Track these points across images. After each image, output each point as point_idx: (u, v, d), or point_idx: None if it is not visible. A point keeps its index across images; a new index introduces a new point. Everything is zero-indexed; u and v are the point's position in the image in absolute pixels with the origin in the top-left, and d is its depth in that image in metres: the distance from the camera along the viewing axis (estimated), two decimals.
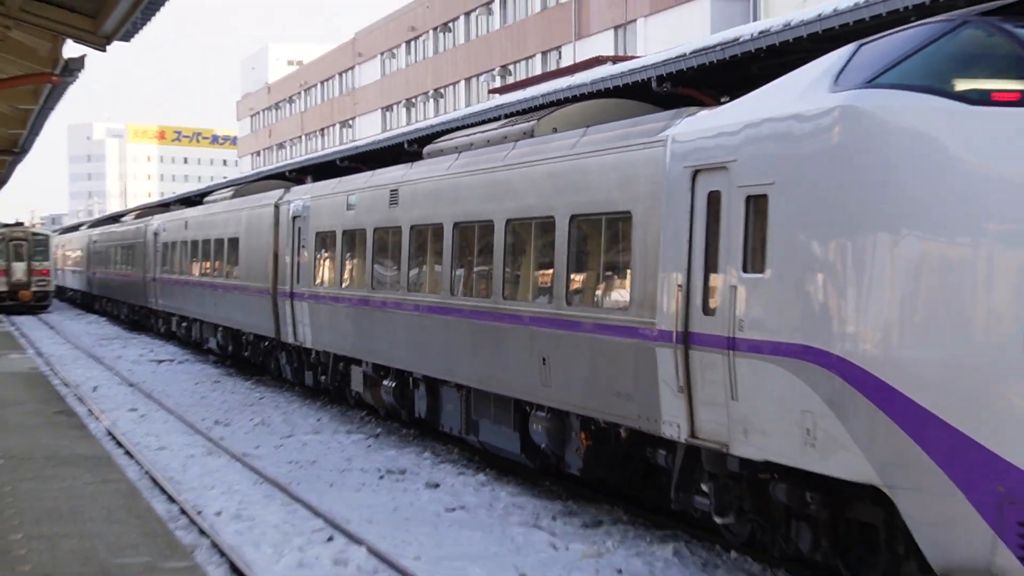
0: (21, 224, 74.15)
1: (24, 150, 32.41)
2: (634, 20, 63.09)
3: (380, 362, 23.49)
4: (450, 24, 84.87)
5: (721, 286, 12.81)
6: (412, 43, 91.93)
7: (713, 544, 15.11)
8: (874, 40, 12.11)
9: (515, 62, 74.75)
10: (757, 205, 12.35)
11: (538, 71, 68.33)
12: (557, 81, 26.08)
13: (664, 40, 52.93)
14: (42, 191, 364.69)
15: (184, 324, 44.17)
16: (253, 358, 34.49)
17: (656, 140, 14.40)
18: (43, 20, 16.88)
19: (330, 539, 15.32)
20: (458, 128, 23.86)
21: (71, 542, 11.69)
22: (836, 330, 11.23)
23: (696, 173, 13.42)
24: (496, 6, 77.94)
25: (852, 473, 11.24)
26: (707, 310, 13.05)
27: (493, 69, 77.16)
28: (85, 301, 77.66)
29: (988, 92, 10.65)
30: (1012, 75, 10.65)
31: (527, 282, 17.93)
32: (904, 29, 11.97)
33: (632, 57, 43.98)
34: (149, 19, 14.97)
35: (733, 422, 12.59)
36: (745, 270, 12.45)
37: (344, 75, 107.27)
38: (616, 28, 64.90)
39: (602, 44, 64.38)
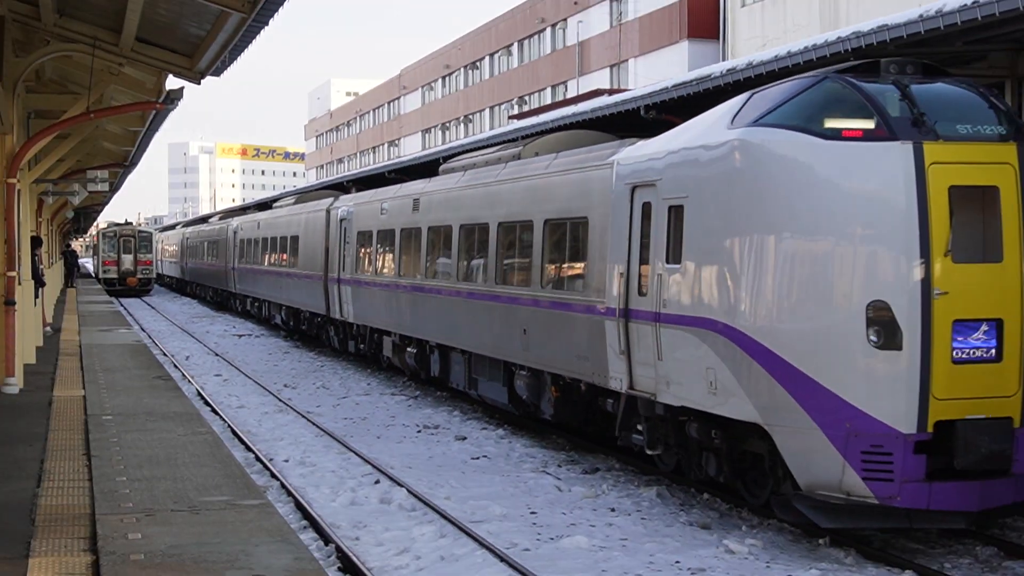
0: (130, 224, 74.35)
1: (133, 163, 32.44)
2: (626, 60, 62.87)
3: (405, 333, 24.48)
4: (477, 63, 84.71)
5: (651, 274, 13.92)
6: (447, 78, 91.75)
7: (689, 488, 15.02)
8: (762, 89, 13.27)
9: (530, 93, 74.57)
10: (676, 213, 13.45)
11: (548, 101, 68.17)
12: (563, 109, 26.06)
13: (651, 76, 52.77)
14: (146, 197, 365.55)
15: (256, 304, 45.11)
16: (309, 331, 35.23)
17: (605, 163, 15.57)
18: (149, 59, 16.89)
19: (377, 482, 15.28)
20: (467, 151, 25.11)
21: (166, 483, 11.65)
22: (730, 307, 12.38)
23: (634, 188, 14.52)
24: (515, 48, 77.75)
25: (742, 414, 12.38)
26: (641, 292, 14.17)
27: (512, 99, 77.00)
28: (179, 286, 78.07)
29: (840, 130, 11.86)
30: (857, 117, 11.87)
31: (512, 271, 18.96)
32: (784, 82, 13.17)
33: (625, 89, 43.87)
34: (235, 59, 14.95)
35: (659, 377, 13.72)
36: (667, 262, 13.54)
37: (392, 104, 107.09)
38: (612, 66, 64.69)
39: (600, 79, 64.20)
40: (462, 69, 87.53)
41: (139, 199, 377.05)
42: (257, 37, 13.71)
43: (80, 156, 28.75)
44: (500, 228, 19.23)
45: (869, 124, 11.79)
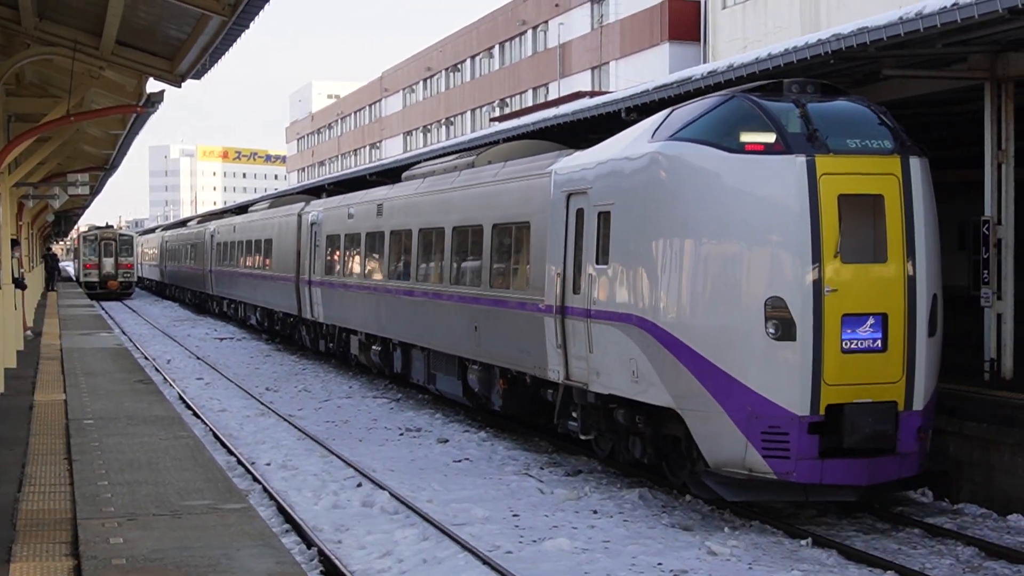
0: (111, 227, 74.09)
1: (113, 166, 32.31)
2: (607, 62, 62.94)
3: (370, 332, 25.66)
4: (459, 65, 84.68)
5: (584, 274, 15.10)
6: (428, 80, 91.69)
7: (671, 490, 15.05)
8: (681, 106, 14.50)
9: (511, 96, 74.58)
10: (604, 218, 14.63)
11: (530, 103, 68.19)
12: (544, 111, 26.10)
13: (632, 78, 52.84)
14: (127, 200, 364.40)
15: (232, 306, 46.26)
16: (283, 331, 36.44)
17: (545, 172, 16.80)
18: (130, 62, 16.82)
19: (359, 485, 15.28)
20: (428, 159, 26.09)
21: (148, 487, 11.61)
22: (649, 304, 13.59)
23: (569, 196, 15.73)
24: (496, 51, 77.75)
25: (660, 401, 13.58)
26: (575, 291, 15.36)
27: (494, 102, 77.01)
28: (158, 288, 78.51)
29: (743, 144, 13.04)
30: (759, 133, 13.06)
31: (465, 272, 19.98)
32: (696, 100, 14.48)
33: (606, 92, 43.92)
34: (215, 62, 14.90)
35: (590, 368, 14.95)
36: (597, 263, 14.77)
37: (373, 106, 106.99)
38: (593, 69, 64.75)
39: (582, 81, 64.25)
40: (444, 71, 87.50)
41: (120, 202, 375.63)
42: (238, 40, 13.69)
43: (61, 159, 28.65)
44: (454, 232, 20.33)
45: (769, 139, 12.98)
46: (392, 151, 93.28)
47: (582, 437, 15.88)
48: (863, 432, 12.77)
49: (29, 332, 30.87)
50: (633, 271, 13.93)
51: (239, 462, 16.68)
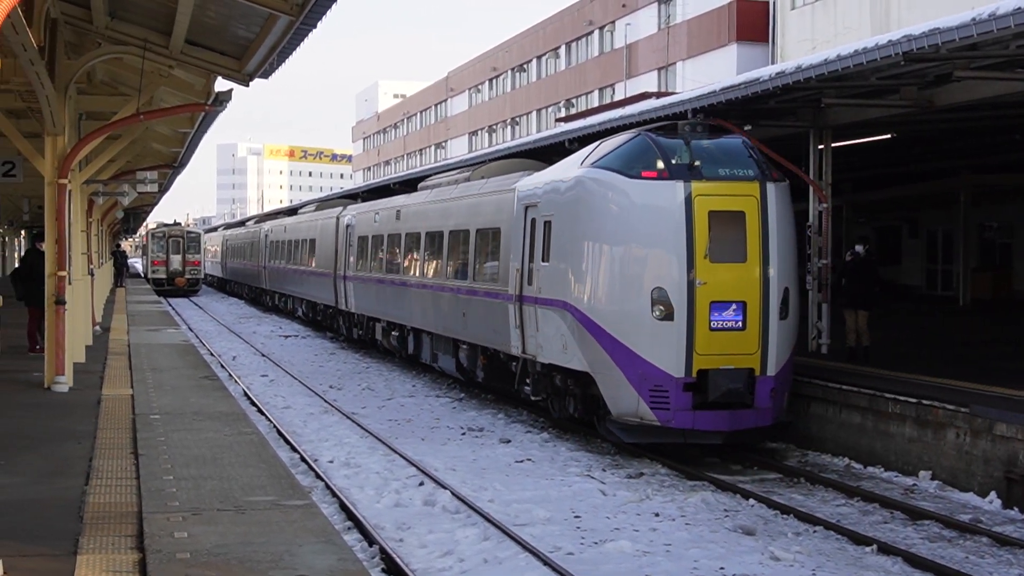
0: (178, 224, 74.90)
1: (182, 164, 32.68)
2: (674, 63, 62.70)
3: (390, 320, 29.88)
4: (525, 65, 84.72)
5: (535, 270, 18.99)
6: (494, 80, 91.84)
7: (734, 494, 14.97)
8: (605, 140, 18.79)
9: (577, 96, 74.50)
10: (548, 226, 18.61)
11: (596, 104, 68.07)
12: (610, 112, 26.04)
13: (699, 79, 52.56)
14: (195, 197, 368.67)
15: (283, 299, 50.62)
16: (323, 321, 40.58)
17: (511, 188, 20.92)
18: (199, 61, 17.00)
19: (421, 484, 15.31)
20: (439, 172, 30.57)
21: (212, 483, 11.73)
22: (574, 293, 17.58)
23: (526, 208, 19.69)
24: (562, 51, 77.71)
25: (581, 367, 17.57)
26: (529, 283, 19.25)
27: (559, 102, 76.97)
28: (219, 284, 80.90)
29: (640, 171, 16.98)
30: (653, 163, 17.00)
31: (457, 267, 24.01)
32: (618, 135, 18.83)
33: (672, 92, 43.74)
34: (283, 61, 15.01)
35: (538, 343, 18.92)
36: (542, 261, 18.71)
37: (439, 106, 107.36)
38: (659, 69, 64.52)
39: (648, 82, 64.04)
40: (509, 71, 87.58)
41: (188, 200, 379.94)
42: (305, 39, 13.79)
43: (130, 157, 29.01)
44: (450, 235, 24.47)
45: (661, 168, 16.89)
46: (457, 151, 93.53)
47: (533, 398, 20.10)
48: (722, 390, 16.53)
49: (98, 327, 31.31)
50: (564, 267, 17.94)
51: (302, 459, 16.79)
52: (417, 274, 26.79)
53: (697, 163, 16.88)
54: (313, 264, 40.27)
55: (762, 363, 16.75)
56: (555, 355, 18.28)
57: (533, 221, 19.21)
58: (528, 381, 19.95)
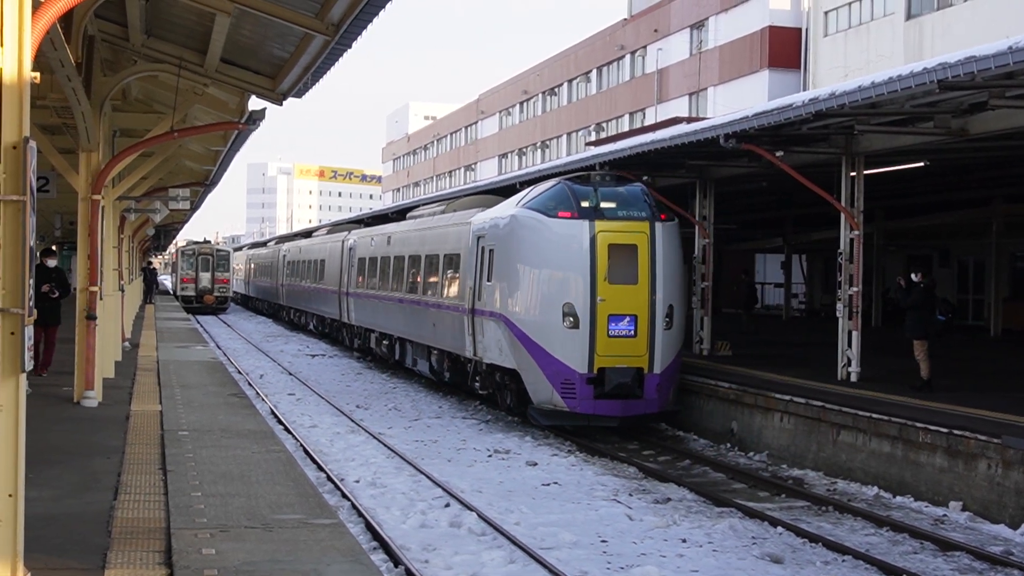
0: (208, 242, 75.35)
1: (213, 183, 32.87)
2: (705, 88, 62.73)
3: (381, 330, 34.34)
4: (556, 89, 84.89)
5: (482, 288, 23.25)
6: (524, 104, 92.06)
7: (762, 521, 14.89)
8: (535, 186, 23.68)
9: (607, 120, 74.59)
10: (491, 253, 22.96)
11: (626, 128, 68.14)
12: (641, 136, 26.12)
13: (730, 105, 52.54)
14: (225, 216, 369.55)
15: (297, 314, 54.92)
16: (330, 332, 46.05)
17: (468, 222, 25.25)
18: (233, 80, 17.12)
19: (447, 505, 15.29)
20: (424, 204, 35.38)
21: (240, 500, 11.75)
22: (509, 307, 21.90)
23: (478, 238, 23.91)
24: (593, 75, 77.85)
25: (512, 366, 21.95)
26: (478, 298, 23.46)
27: (590, 126, 77.06)
28: (243, 301, 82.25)
29: (558, 212, 21.47)
30: (567, 206, 21.48)
31: (429, 286, 28.22)
32: (547, 182, 23.20)
33: (703, 118, 43.72)
34: (316, 81, 15.08)
35: (484, 348, 23.27)
36: (487, 281, 23.05)
37: (469, 128, 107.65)
38: (690, 94, 64.56)
39: (678, 107, 64.09)
40: (540, 95, 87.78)
41: (218, 218, 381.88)
42: (339, 59, 13.85)
43: (163, 175, 29.20)
44: (425, 258, 28.88)
45: (573, 209, 21.33)
46: (486, 173, 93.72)
47: (480, 392, 24.81)
48: (616, 383, 20.86)
49: (127, 343, 31.46)
50: (502, 285, 22.27)
51: (328, 478, 16.79)
52: (401, 291, 31.10)
53: (602, 206, 21.35)
54: (323, 282, 45.07)
55: (650, 363, 21.08)
56: (495, 356, 22.68)
57: (482, 249, 23.46)
58: (477, 378, 24.60)
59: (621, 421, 21.10)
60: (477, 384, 24.71)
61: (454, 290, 25.73)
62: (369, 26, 12.00)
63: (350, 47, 12.93)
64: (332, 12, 12.00)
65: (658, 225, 21.34)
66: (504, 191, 29.03)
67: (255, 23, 14.15)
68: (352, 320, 39.15)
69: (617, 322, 20.90)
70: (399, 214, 39.08)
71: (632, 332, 20.94)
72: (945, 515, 15.59)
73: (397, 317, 31.63)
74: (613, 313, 20.90)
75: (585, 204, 21.34)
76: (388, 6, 11.02)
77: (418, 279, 29.25)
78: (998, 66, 14.16)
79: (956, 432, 15.99)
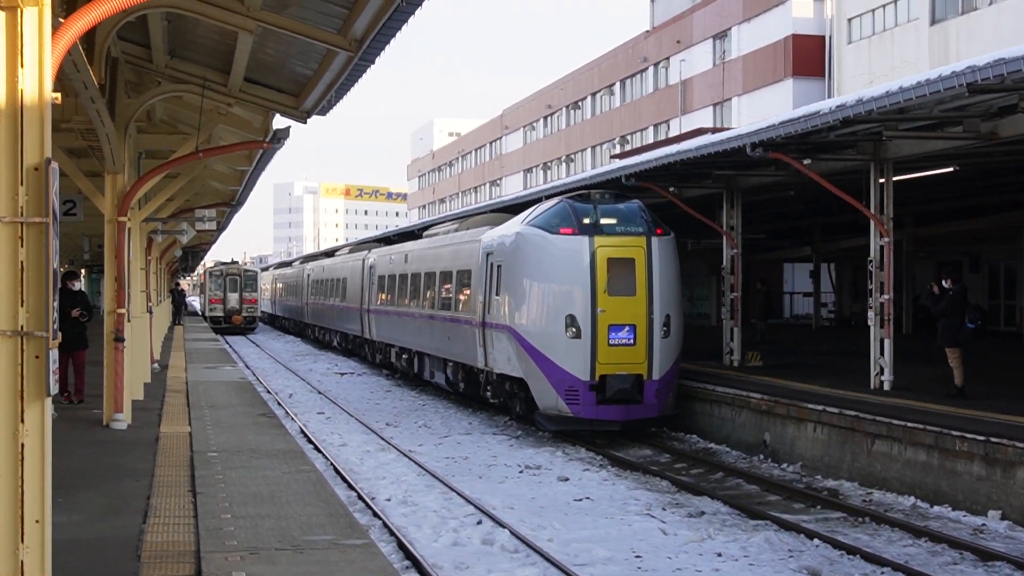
0: (236, 262, 75.41)
1: (240, 202, 32.91)
2: (730, 98, 62.54)
3: (401, 344, 35.81)
4: (579, 103, 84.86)
5: (491, 301, 24.43)
6: (549, 118, 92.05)
7: (798, 533, 14.69)
8: (539, 204, 24.61)
9: (632, 133, 74.47)
10: (499, 268, 24.08)
11: (651, 140, 67.99)
12: (666, 148, 26.02)
13: (754, 114, 52.33)
14: (252, 236, 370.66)
15: (321, 331, 56.43)
16: (352, 348, 47.62)
17: (479, 239, 26.38)
18: (257, 99, 17.09)
19: (479, 522, 15.15)
20: (438, 223, 36.78)
21: (270, 521, 11.65)
22: (516, 319, 23.00)
23: (487, 254, 25.08)
24: (617, 88, 77.77)
25: (519, 375, 23.04)
26: (488, 312, 24.58)
27: (614, 139, 76.94)
28: (271, 320, 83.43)
29: (559, 229, 22.57)
30: (569, 222, 22.56)
31: (444, 301, 29.38)
32: (549, 200, 24.46)
33: (727, 128, 43.53)
34: (340, 98, 15.05)
35: (494, 358, 24.37)
36: (496, 295, 24.16)
37: (493, 144, 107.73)
38: (715, 105, 64.38)
39: (703, 118, 63.90)
40: (564, 109, 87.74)
41: (245, 238, 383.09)
42: (363, 76, 13.79)
43: (189, 195, 29.23)
44: (439, 275, 30.13)
45: (574, 226, 22.44)
46: (512, 188, 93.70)
47: (493, 400, 25.88)
48: (617, 390, 21.92)
49: (156, 365, 31.48)
50: (510, 299, 23.38)
51: (359, 497, 16.68)
52: (418, 306, 32.32)
53: (601, 222, 22.54)
54: (345, 300, 46.49)
55: (648, 370, 22.14)
56: (503, 366, 23.85)
57: (491, 264, 24.65)
58: (489, 388, 25.79)
59: (622, 425, 22.11)
60: (488, 393, 25.80)
61: (466, 305, 26.88)
62: (392, 41, 11.93)
63: (373, 62, 12.87)
64: (355, 28, 11.94)
65: (654, 239, 22.43)
66: (513, 209, 30.22)
67: (278, 41, 14.10)
68: (374, 336, 40.57)
69: (617, 331, 21.99)
70: (416, 233, 40.52)
71: (631, 341, 22.02)
72: (984, 524, 15.34)
73: (415, 332, 32.95)
74: (613, 323, 21.99)
75: (585, 221, 22.47)
76: (411, 20, 10.94)
77: (433, 295, 30.51)
78: None
79: (993, 440, 15.75)
